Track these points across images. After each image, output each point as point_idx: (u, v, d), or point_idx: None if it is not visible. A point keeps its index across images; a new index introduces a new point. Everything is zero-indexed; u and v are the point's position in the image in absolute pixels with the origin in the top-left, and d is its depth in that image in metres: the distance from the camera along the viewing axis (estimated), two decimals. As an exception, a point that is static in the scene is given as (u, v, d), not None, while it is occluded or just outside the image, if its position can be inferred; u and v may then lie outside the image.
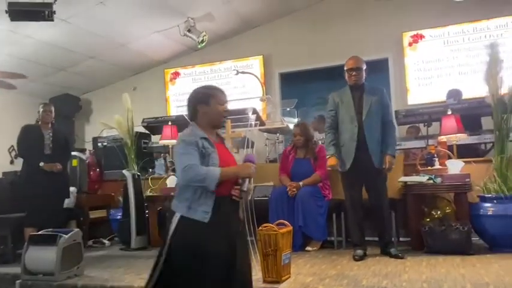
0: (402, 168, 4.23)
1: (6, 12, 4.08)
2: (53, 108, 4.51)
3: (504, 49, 5.10)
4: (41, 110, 4.43)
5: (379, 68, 6.27)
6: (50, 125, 4.48)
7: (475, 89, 5.01)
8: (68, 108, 7.43)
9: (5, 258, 4.29)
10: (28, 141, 4.36)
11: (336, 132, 3.70)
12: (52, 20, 4.28)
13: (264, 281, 2.92)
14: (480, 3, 5.70)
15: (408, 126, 5.47)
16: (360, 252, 3.59)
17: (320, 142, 4.73)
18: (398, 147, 4.70)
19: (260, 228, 2.96)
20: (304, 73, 6.96)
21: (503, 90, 3.81)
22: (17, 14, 4.18)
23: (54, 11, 4.22)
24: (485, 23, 5.86)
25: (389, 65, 6.38)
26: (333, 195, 4.22)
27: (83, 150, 6.08)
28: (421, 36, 6.17)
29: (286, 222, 3.10)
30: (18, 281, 3.43)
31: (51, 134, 4.42)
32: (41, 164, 4.24)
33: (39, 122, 4.47)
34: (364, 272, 3.13)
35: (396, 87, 6.29)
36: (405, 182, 3.94)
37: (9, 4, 4.06)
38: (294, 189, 4.09)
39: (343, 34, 6.40)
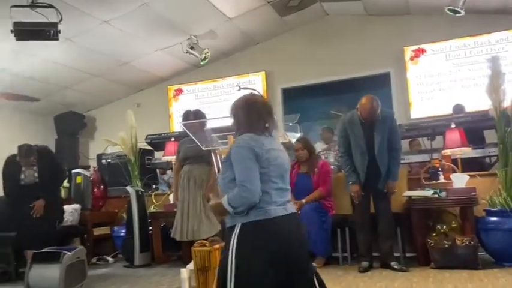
0: (406, 182, 4.19)
1: (12, 32, 4.13)
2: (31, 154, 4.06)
3: (506, 62, 5.12)
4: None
5: (381, 82, 6.29)
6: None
7: (477, 102, 5.02)
8: (72, 126, 7.48)
9: (7, 276, 4.26)
10: (9, 175, 4.13)
11: (351, 157, 3.77)
12: (57, 39, 4.30)
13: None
14: (481, 17, 5.74)
15: (409, 140, 5.46)
16: (365, 264, 3.65)
17: (323, 157, 4.71)
18: (402, 161, 4.70)
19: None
20: (306, 88, 6.99)
21: (506, 103, 3.82)
22: (23, 33, 4.20)
23: (59, 30, 4.24)
24: (487, 37, 5.89)
25: (391, 79, 6.40)
26: (336, 210, 4.19)
27: (87, 167, 6.09)
28: (423, 51, 6.20)
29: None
30: (21, 300, 3.40)
31: (35, 169, 4.08)
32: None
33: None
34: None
35: (399, 101, 6.30)
36: (410, 196, 3.91)
37: (15, 24, 4.10)
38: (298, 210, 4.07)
39: (344, 50, 6.45)
